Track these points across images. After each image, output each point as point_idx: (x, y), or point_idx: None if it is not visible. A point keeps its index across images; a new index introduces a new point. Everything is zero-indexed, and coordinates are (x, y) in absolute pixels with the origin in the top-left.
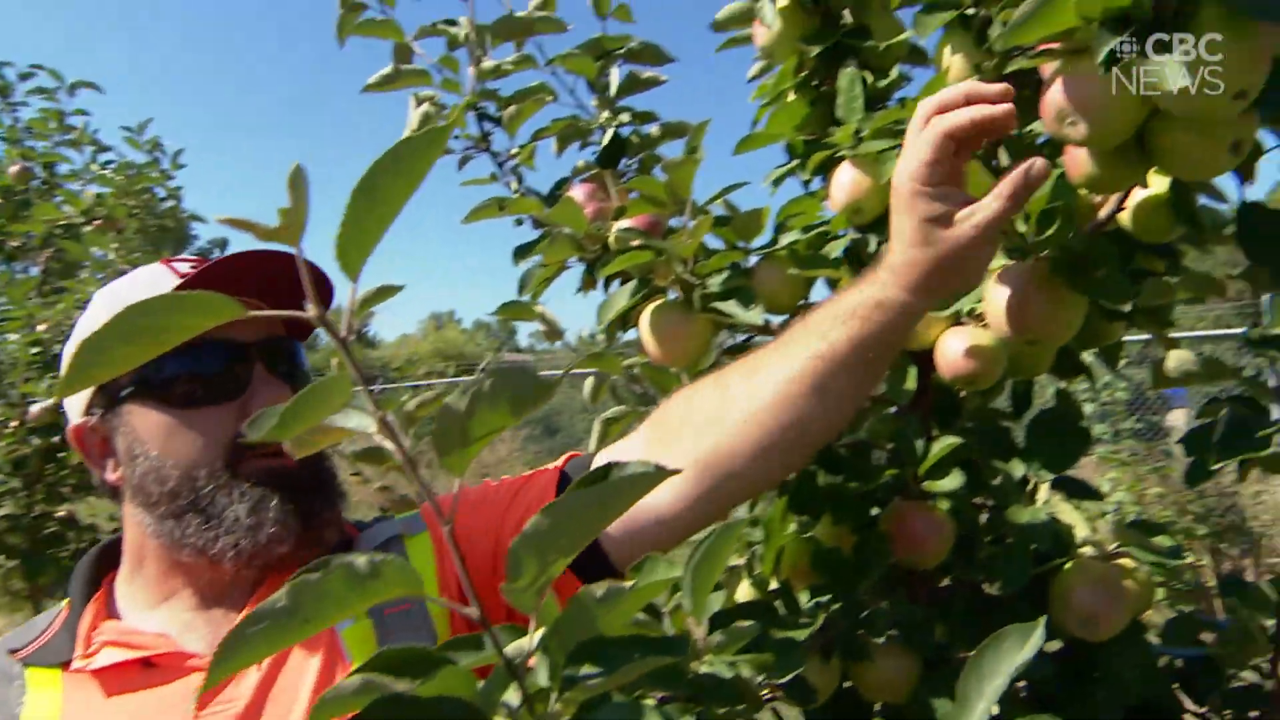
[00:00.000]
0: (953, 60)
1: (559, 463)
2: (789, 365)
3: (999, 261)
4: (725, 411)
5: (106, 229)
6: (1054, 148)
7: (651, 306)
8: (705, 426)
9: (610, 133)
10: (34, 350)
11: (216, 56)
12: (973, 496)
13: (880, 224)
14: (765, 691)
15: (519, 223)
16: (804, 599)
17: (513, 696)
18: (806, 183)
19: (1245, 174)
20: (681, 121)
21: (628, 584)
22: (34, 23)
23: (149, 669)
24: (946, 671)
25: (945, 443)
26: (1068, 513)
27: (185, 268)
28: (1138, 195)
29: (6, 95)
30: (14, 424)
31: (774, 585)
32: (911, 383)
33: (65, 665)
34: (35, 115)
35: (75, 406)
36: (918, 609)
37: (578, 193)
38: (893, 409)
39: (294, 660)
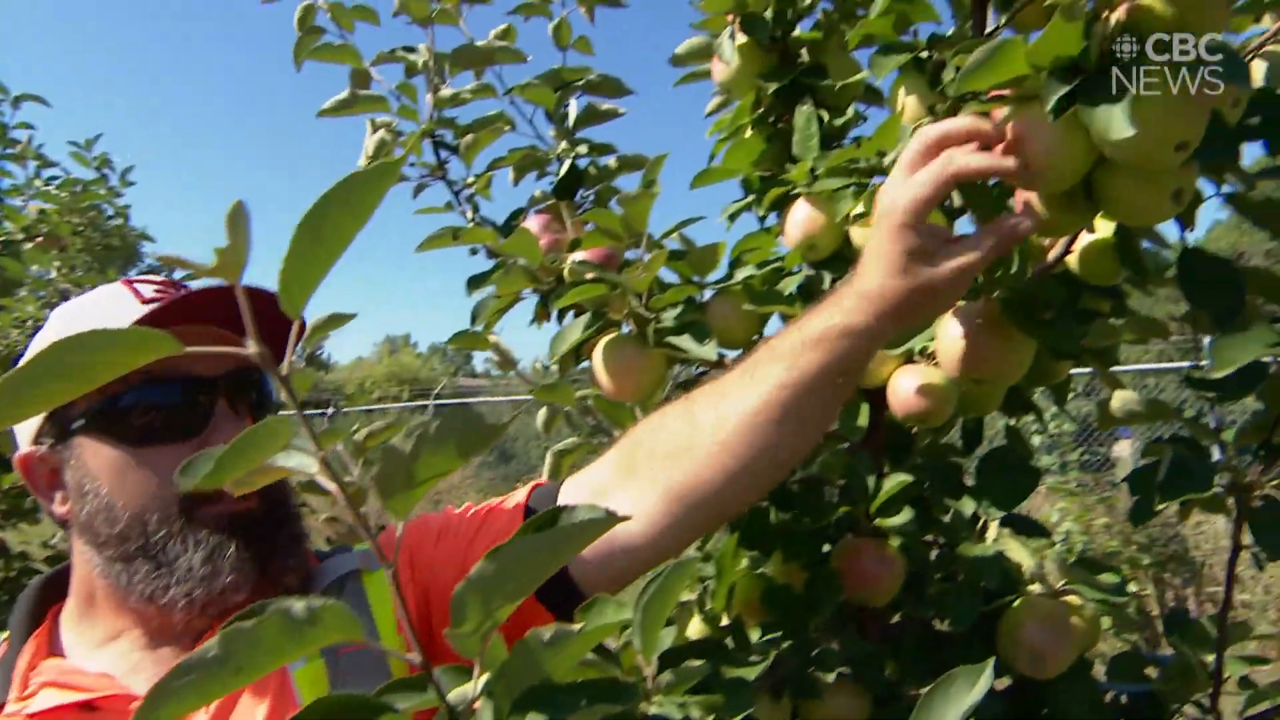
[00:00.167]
0: (907, 101)
1: (524, 494)
2: (756, 392)
3: None
4: (694, 440)
5: (49, 246)
6: (1004, 189)
7: (605, 340)
8: (674, 455)
9: (567, 163)
10: None
11: (178, 68)
12: (923, 533)
13: (835, 260)
14: None
15: (474, 252)
16: (755, 636)
17: None
18: (762, 218)
19: (1186, 220)
20: (639, 155)
21: (576, 626)
22: None
23: (89, 712)
24: (897, 709)
25: (896, 480)
26: (1016, 550)
27: (149, 291)
28: (1085, 239)
29: None
30: None
31: (726, 621)
32: (864, 419)
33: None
34: None
35: (24, 433)
36: (868, 646)
37: (533, 224)
38: (845, 445)
39: (244, 703)
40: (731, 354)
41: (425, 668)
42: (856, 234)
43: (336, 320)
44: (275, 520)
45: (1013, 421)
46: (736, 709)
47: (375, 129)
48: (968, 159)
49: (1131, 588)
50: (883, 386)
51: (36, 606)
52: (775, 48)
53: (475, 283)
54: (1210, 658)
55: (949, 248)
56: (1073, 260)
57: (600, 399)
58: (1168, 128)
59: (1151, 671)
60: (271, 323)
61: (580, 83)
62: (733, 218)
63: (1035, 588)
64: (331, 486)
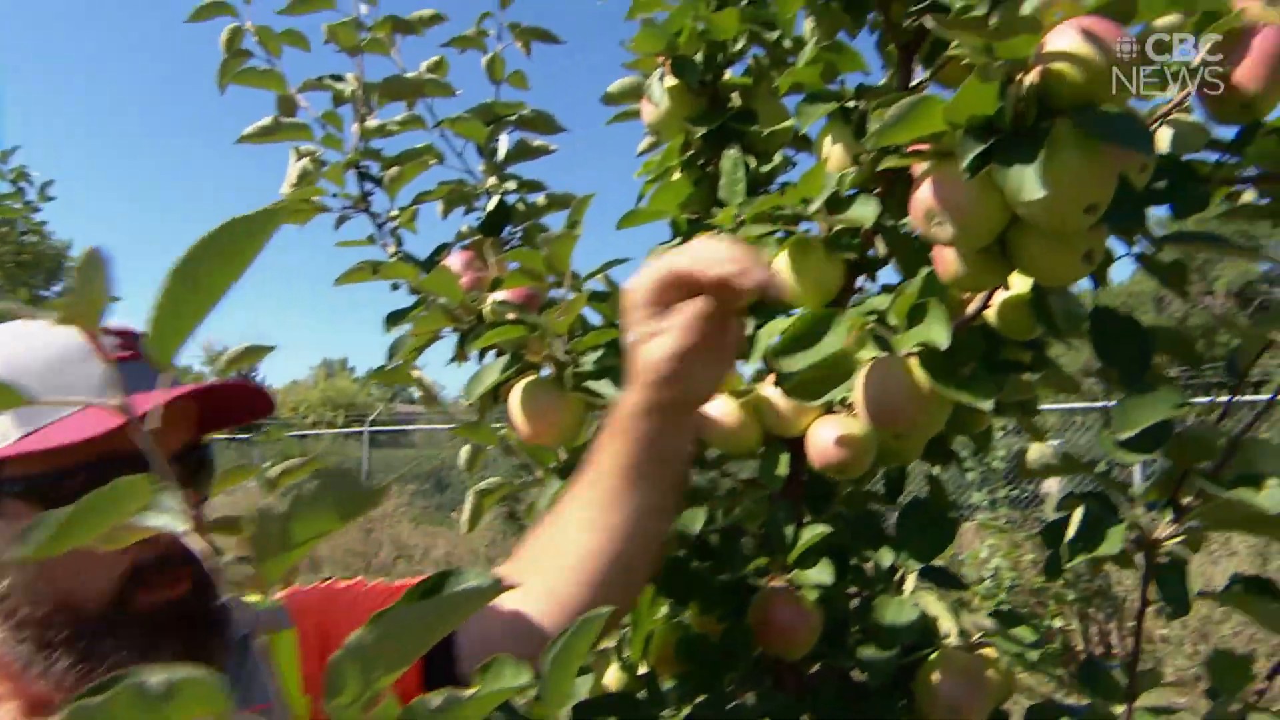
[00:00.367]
0: (832, 150)
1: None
2: (586, 510)
3: (871, 353)
4: (561, 560)
5: None
6: (924, 243)
7: (522, 383)
8: (550, 569)
9: (495, 199)
10: None
11: (116, 78)
12: (842, 585)
13: (758, 306)
14: None
15: (395, 287)
16: (671, 686)
17: None
18: None
19: (1099, 279)
20: (568, 193)
21: (468, 691)
22: None
23: None
24: None
25: (814, 531)
26: (932, 604)
27: (110, 343)
28: (1002, 293)
29: None
30: None
31: (644, 670)
32: (783, 469)
33: None
34: None
35: None
36: (785, 699)
37: (454, 261)
38: (767, 493)
39: None
40: None
41: None
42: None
43: (254, 353)
44: (207, 603)
45: (935, 470)
46: None
47: (299, 157)
48: (683, 257)
49: (1057, 623)
50: (802, 436)
51: None
52: (705, 91)
53: (394, 319)
54: (1120, 709)
55: (658, 332)
56: (991, 314)
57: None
58: (1078, 191)
59: None
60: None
61: (513, 118)
62: None
63: (952, 640)
64: (201, 548)
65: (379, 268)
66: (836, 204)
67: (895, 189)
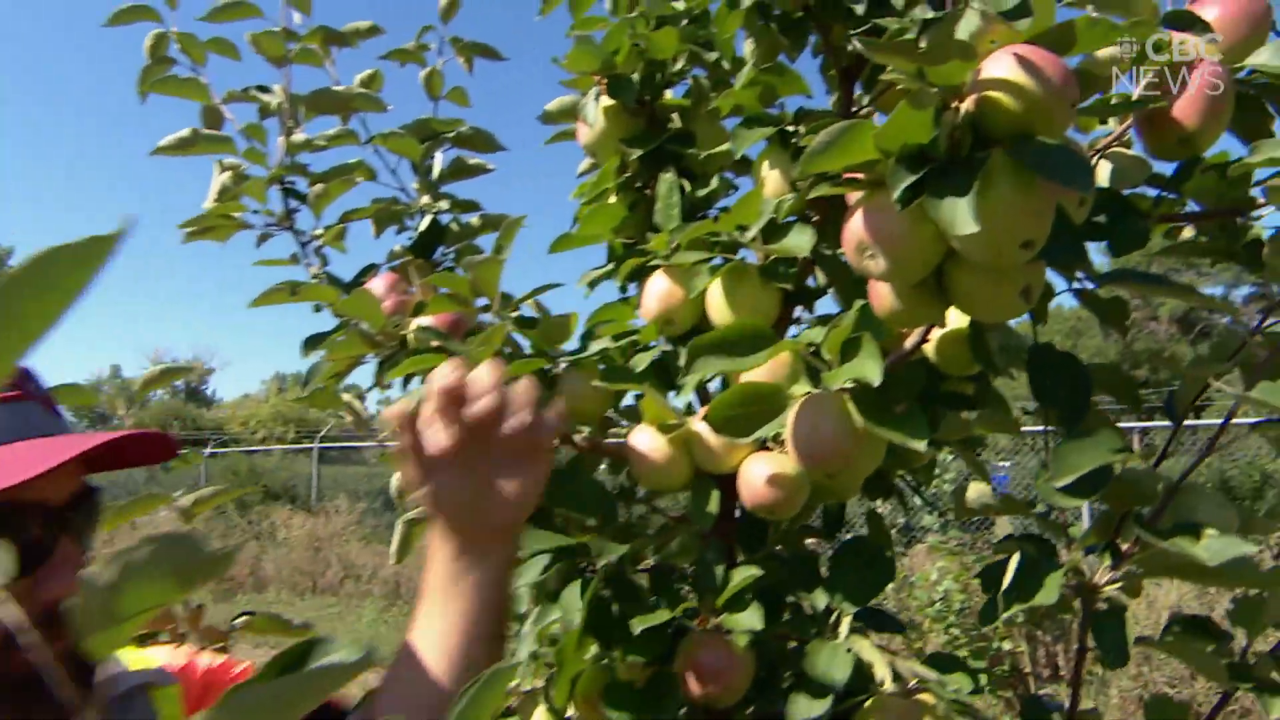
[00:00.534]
0: (769, 176)
1: None
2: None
3: (803, 388)
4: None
5: None
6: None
7: None
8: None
9: (428, 219)
10: None
11: (47, 81)
12: (775, 628)
13: (692, 336)
14: None
15: (317, 309)
16: None
17: None
18: (623, 288)
19: (1037, 315)
20: (503, 214)
21: None
22: None
23: None
24: None
25: (745, 573)
26: (868, 649)
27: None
28: (940, 328)
29: None
30: None
31: (571, 712)
32: (714, 506)
33: None
34: None
35: None
36: None
37: (377, 284)
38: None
39: None
40: (583, 431)
41: None
42: (716, 310)
43: (172, 374)
44: (85, 665)
45: (876, 504)
46: None
47: (223, 170)
48: (443, 378)
49: (1006, 645)
50: (734, 473)
51: None
52: (643, 112)
53: (311, 344)
54: None
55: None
56: (930, 349)
57: None
58: (1013, 225)
59: None
60: None
61: (450, 135)
62: (593, 285)
63: (888, 686)
64: (14, 620)
65: (298, 289)
66: (773, 232)
67: (833, 217)
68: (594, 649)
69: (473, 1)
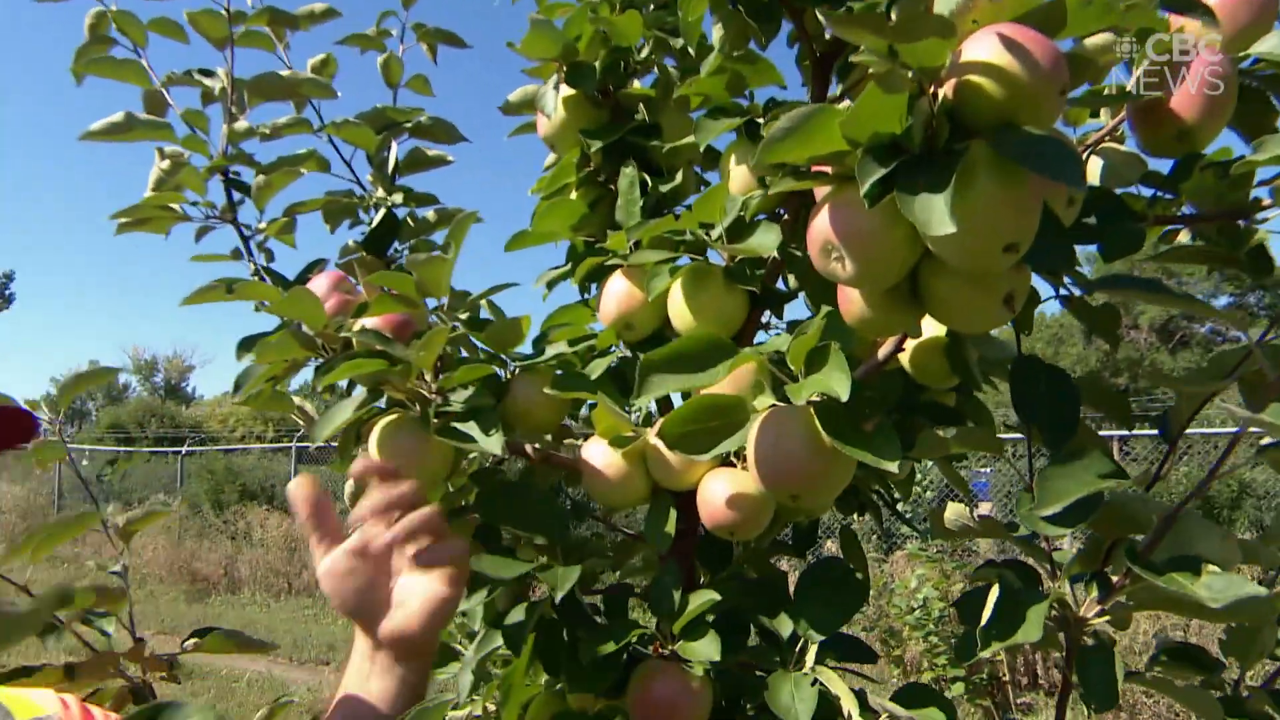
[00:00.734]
0: (736, 171)
1: None
2: None
3: (767, 401)
4: None
5: None
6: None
7: (382, 423)
8: None
9: (381, 213)
10: None
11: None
12: (736, 656)
13: (653, 342)
14: None
15: (259, 308)
16: None
17: None
18: (583, 290)
19: (1022, 324)
20: (458, 208)
21: None
22: None
23: None
24: None
25: (703, 598)
26: (835, 681)
27: None
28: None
29: None
30: None
31: None
32: (671, 526)
33: None
34: None
35: None
36: None
37: (320, 282)
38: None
39: None
40: (536, 442)
41: None
42: (677, 315)
43: (88, 379)
44: None
45: (853, 519)
46: None
47: (164, 159)
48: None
49: (985, 653)
50: (694, 490)
51: None
52: (605, 102)
53: (245, 346)
54: None
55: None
56: (905, 359)
57: None
58: (995, 226)
59: None
60: None
61: (409, 124)
62: (551, 285)
63: None
64: None
65: (234, 286)
66: (739, 231)
67: (805, 216)
68: (545, 676)
69: None
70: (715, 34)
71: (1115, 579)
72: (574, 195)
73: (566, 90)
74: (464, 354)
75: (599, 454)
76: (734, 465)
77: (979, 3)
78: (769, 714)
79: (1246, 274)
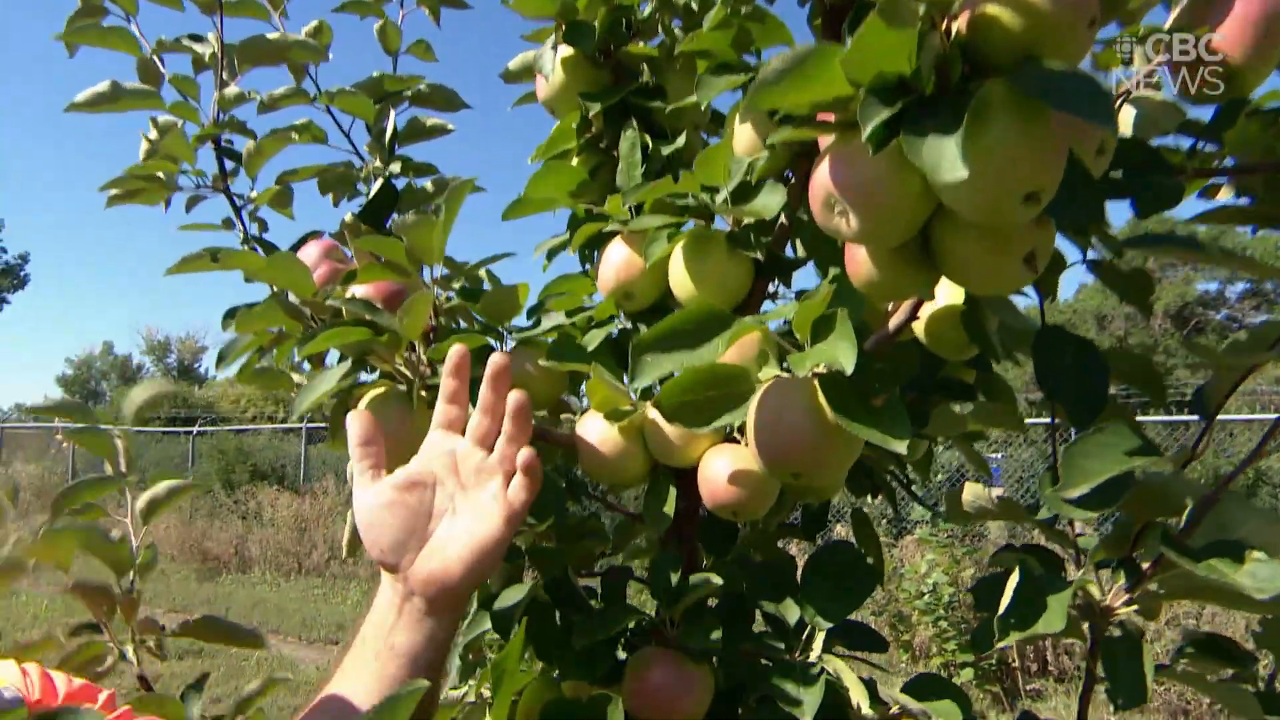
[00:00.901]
0: (739, 131)
1: None
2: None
3: (772, 372)
4: None
5: None
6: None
7: (368, 396)
8: None
9: (380, 182)
10: None
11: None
12: (739, 644)
13: (654, 312)
14: None
15: (249, 279)
16: None
17: None
18: (583, 259)
19: (1046, 289)
20: (456, 176)
21: None
22: None
23: None
24: None
25: (705, 583)
26: (844, 671)
27: None
28: (931, 304)
29: None
30: None
31: None
32: (670, 506)
33: None
34: None
35: None
36: None
37: (310, 250)
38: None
39: None
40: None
41: None
42: (678, 283)
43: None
44: None
45: (865, 501)
46: None
47: (155, 128)
48: None
49: (1003, 643)
50: (694, 468)
51: None
52: (607, 63)
53: (231, 317)
54: None
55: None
56: (919, 328)
57: None
58: (1013, 171)
59: None
60: None
61: (408, 93)
62: (551, 254)
63: (869, 713)
64: None
65: (220, 255)
66: (743, 194)
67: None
68: (540, 664)
69: None
70: None
71: (1144, 566)
72: (574, 161)
73: (565, 50)
74: (462, 325)
75: (595, 429)
76: (738, 441)
77: None
78: (773, 705)
79: None
